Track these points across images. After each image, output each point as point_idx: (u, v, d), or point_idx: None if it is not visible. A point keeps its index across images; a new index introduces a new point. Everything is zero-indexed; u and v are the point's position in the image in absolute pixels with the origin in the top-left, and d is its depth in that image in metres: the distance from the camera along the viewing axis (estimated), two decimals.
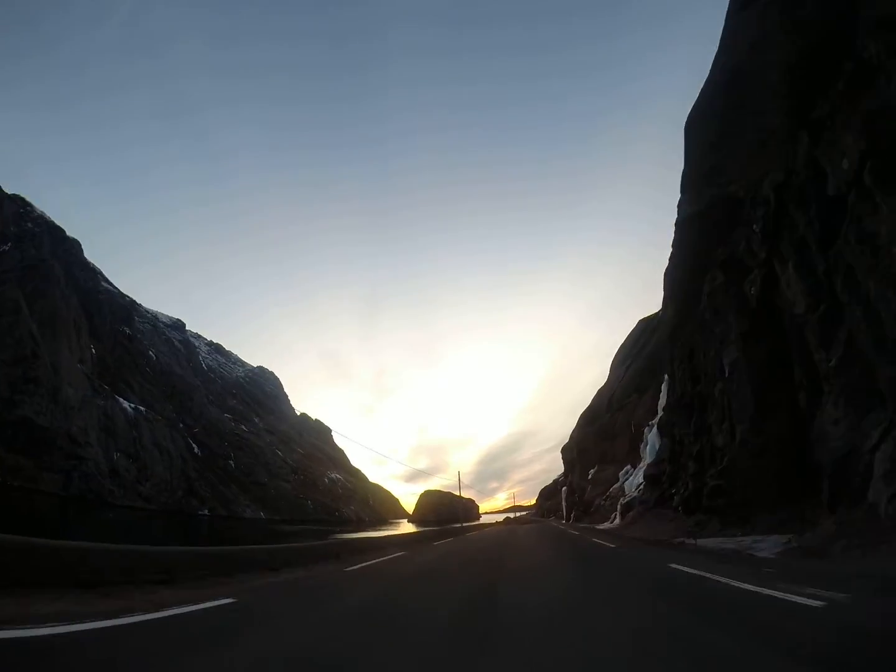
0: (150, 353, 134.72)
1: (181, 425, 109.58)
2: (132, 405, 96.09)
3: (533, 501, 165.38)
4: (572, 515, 57.50)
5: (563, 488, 75.09)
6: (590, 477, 55.78)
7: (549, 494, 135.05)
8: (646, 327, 59.83)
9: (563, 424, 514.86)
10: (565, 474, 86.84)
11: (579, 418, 73.00)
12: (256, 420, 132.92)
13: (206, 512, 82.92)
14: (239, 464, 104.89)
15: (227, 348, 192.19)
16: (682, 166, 25.18)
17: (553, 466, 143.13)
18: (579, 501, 57.42)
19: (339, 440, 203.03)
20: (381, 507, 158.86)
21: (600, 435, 57.43)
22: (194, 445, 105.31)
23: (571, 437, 75.61)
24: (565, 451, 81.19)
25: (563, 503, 71.02)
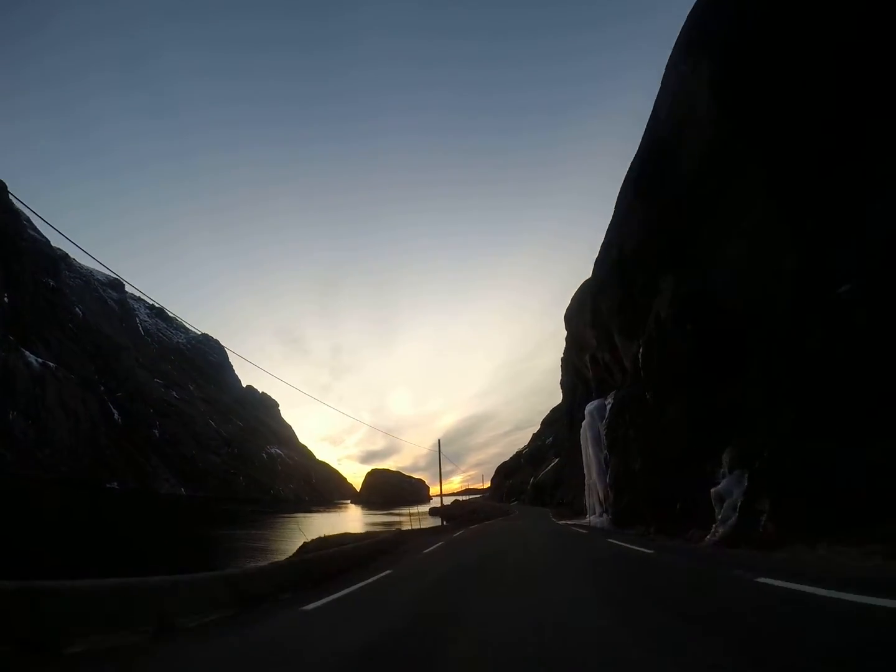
0: (77, 309, 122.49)
1: (102, 388, 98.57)
2: (39, 360, 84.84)
3: (488, 485, 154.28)
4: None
5: (589, 422, 29.21)
6: None
7: (509, 471, 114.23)
8: None
9: (519, 409, 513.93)
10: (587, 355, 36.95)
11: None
12: (192, 388, 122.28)
13: (115, 485, 73.23)
14: (164, 433, 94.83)
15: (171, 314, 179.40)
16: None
17: (508, 449, 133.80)
18: None
19: (288, 416, 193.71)
20: (325, 486, 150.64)
21: None
22: (114, 411, 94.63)
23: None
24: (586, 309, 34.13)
25: (593, 467, 27.97)
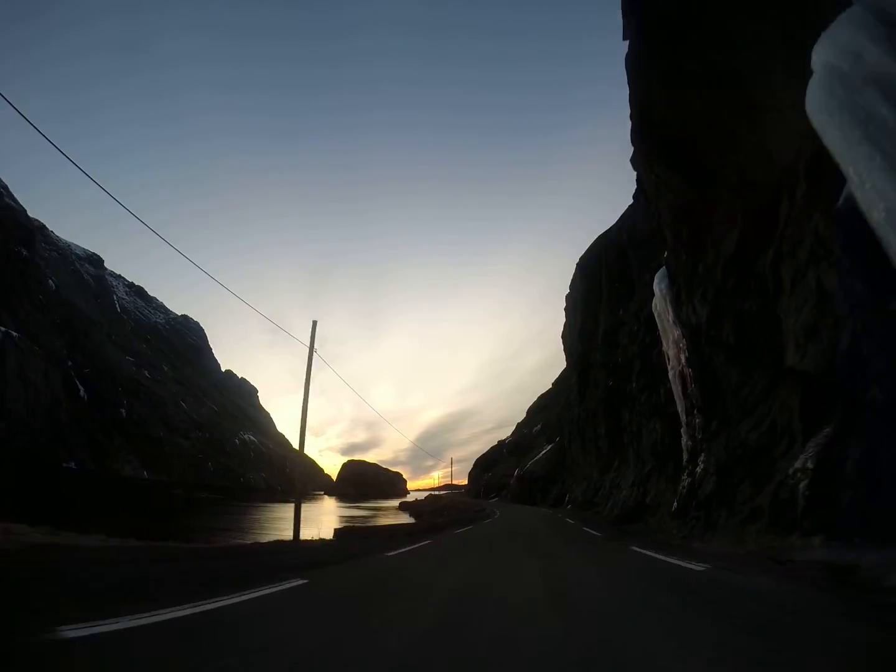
0: (50, 281, 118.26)
1: (69, 363, 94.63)
2: (1, 329, 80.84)
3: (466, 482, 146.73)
4: None
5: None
6: None
7: (489, 463, 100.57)
8: None
9: (501, 407, 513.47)
10: None
11: None
12: (166, 368, 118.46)
13: (72, 464, 69.80)
14: (132, 413, 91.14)
15: (151, 293, 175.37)
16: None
17: (490, 447, 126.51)
18: None
19: (269, 406, 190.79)
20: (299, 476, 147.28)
21: None
22: (80, 387, 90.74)
23: None
24: None
25: None
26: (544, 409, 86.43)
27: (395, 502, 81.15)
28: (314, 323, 17.43)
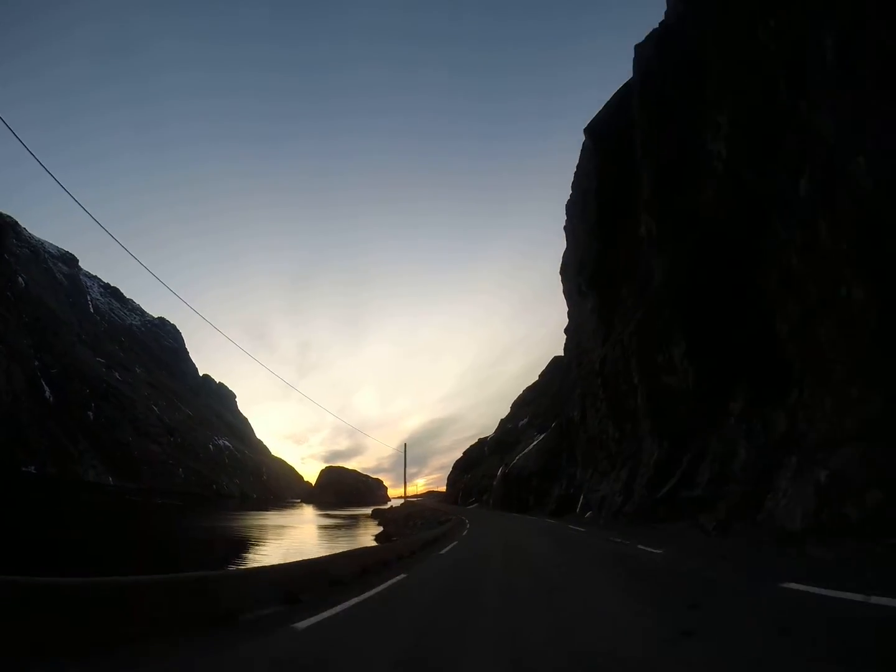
0: (20, 278, 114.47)
1: (36, 363, 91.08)
2: None
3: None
4: None
5: None
6: None
7: (469, 464, 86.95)
8: None
9: (483, 414, 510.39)
10: None
11: None
12: (138, 371, 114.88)
13: (32, 469, 66.44)
14: (100, 416, 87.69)
15: (127, 295, 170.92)
16: None
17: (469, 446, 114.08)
18: None
19: (250, 413, 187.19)
20: (276, 483, 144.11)
21: None
22: (46, 388, 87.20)
23: None
24: None
25: None
26: (531, 403, 77.98)
27: (370, 510, 79.00)
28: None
